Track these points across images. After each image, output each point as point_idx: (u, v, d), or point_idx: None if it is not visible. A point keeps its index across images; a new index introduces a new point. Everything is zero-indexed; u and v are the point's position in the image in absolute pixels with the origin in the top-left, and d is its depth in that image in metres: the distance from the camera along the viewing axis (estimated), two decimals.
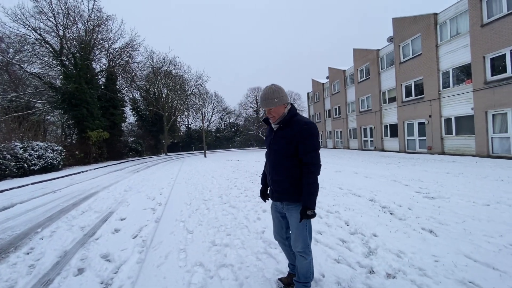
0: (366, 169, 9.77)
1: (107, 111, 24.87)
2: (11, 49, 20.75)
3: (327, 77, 28.73)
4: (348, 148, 24.49)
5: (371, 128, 20.63)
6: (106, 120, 23.77)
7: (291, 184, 1.86)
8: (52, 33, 20.20)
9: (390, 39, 17.83)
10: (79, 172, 14.17)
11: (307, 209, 1.76)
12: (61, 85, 20.09)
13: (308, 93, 35.92)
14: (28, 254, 3.32)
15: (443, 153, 13.76)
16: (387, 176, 7.82)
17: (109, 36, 24.34)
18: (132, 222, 4.50)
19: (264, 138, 2.26)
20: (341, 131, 25.99)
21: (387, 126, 18.78)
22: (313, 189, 1.80)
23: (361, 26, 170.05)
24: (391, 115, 18.16)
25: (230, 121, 57.39)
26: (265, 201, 2.31)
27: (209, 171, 11.49)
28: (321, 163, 1.87)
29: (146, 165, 17.91)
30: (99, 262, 2.99)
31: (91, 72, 22.35)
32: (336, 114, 27.09)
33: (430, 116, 14.55)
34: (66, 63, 20.36)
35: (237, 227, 3.83)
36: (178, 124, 47.84)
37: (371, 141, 20.75)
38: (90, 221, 4.66)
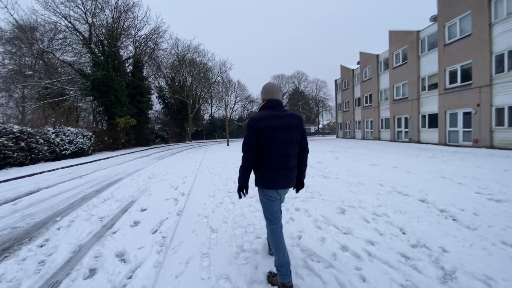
0: (406, 162, 8.81)
1: (134, 98, 25.37)
2: (45, 38, 21.58)
3: (358, 63, 26.92)
4: (379, 139, 22.98)
5: (406, 118, 19.03)
6: (133, 107, 24.28)
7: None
8: (82, 21, 20.62)
9: (434, 18, 15.96)
10: (107, 158, 14.51)
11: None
12: (90, 73, 20.65)
13: (336, 80, 34.13)
14: (41, 247, 3.06)
15: (492, 147, 12.20)
16: (432, 172, 6.89)
17: (135, 23, 24.52)
18: (153, 213, 4.17)
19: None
20: (371, 121, 24.42)
21: (425, 115, 17.15)
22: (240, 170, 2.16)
23: (398, 6, 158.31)
24: (430, 104, 16.50)
25: (253, 109, 56.81)
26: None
27: (233, 160, 11.11)
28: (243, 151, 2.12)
29: (171, 152, 18.03)
30: (113, 263, 2.63)
31: (118, 59, 22.69)
32: (366, 103, 25.45)
33: (478, 105, 12.91)
34: (95, 51, 20.79)
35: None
36: (202, 113, 48.24)
37: (406, 132, 19.18)
38: (110, 211, 4.41)
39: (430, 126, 16.72)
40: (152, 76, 31.72)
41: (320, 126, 59.63)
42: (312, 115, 42.40)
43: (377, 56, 22.94)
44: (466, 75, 13.78)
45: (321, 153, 13.28)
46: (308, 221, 3.49)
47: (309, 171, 7.44)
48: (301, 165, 2.25)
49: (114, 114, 21.06)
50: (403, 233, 3.01)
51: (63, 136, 13.67)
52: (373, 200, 4.37)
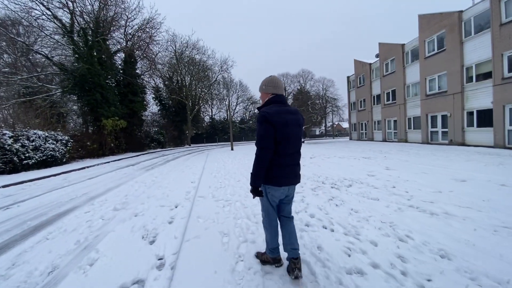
0: (499, 175, 5.82)
1: (126, 97, 22.46)
2: (21, 28, 18.71)
3: (377, 55, 24.03)
4: (406, 141, 19.96)
5: (444, 116, 16.06)
6: (124, 108, 21.37)
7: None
8: (64, 9, 17.75)
9: None
10: (83, 168, 11.51)
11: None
12: (73, 67, 17.74)
13: (348, 77, 31.17)
14: None
15: None
16: None
17: (126, 14, 21.66)
18: None
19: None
20: (395, 120, 21.43)
21: (472, 112, 14.18)
22: (253, 168, 2.05)
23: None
24: (480, 98, 13.54)
25: (255, 111, 53.93)
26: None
27: (244, 172, 8.13)
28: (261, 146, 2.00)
29: (165, 159, 15.05)
30: None
31: (106, 52, 19.80)
32: (388, 100, 22.46)
33: None
34: (78, 41, 17.88)
35: None
36: (201, 115, 45.35)
37: (443, 132, 16.20)
38: None
39: (480, 125, 13.73)
40: (147, 74, 28.78)
41: (326, 127, 56.61)
42: (318, 116, 39.47)
43: (403, 46, 20.02)
44: None
45: (353, 159, 10.33)
46: None
47: (376, 195, 4.45)
48: None
49: (100, 115, 18.12)
50: None
51: (26, 142, 10.71)
52: None
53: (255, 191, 2.06)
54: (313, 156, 11.95)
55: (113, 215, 4.32)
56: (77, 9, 17.84)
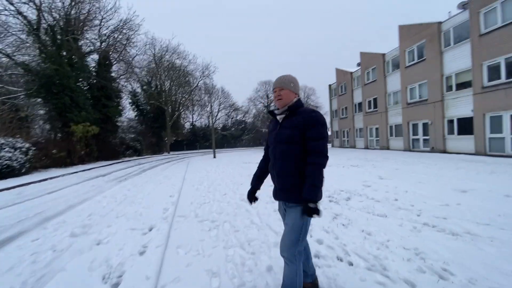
0: (494, 184, 5.57)
1: (99, 102, 20.92)
2: None
3: (358, 64, 24.41)
4: (388, 148, 20.16)
5: (425, 124, 16.33)
6: (97, 113, 19.84)
7: (298, 179, 1.66)
8: (30, 4, 16.24)
9: (463, 5, 13.53)
10: (43, 180, 10.15)
11: (309, 202, 1.56)
12: (39, 69, 16.16)
13: (330, 85, 31.54)
14: None
15: None
16: None
17: (101, 14, 20.39)
18: None
19: (268, 133, 1.96)
20: (377, 128, 21.66)
21: (452, 120, 14.46)
22: (317, 180, 1.60)
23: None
24: (460, 107, 13.84)
25: (237, 118, 53.31)
26: (252, 204, 2.09)
27: (229, 183, 7.39)
28: (328, 155, 1.65)
29: (141, 168, 13.88)
30: None
31: (77, 53, 18.36)
32: (370, 108, 22.75)
33: None
34: (46, 40, 16.38)
35: None
36: (182, 121, 43.92)
37: (425, 140, 16.44)
38: None
39: (460, 133, 14.00)
40: (124, 78, 27.26)
41: None
42: None
43: (383, 55, 20.43)
44: None
45: (342, 168, 9.95)
46: None
47: (381, 210, 3.90)
48: None
49: (69, 120, 16.59)
50: None
51: None
52: None
53: (317, 212, 1.59)
54: None
55: (69, 244, 3.42)
56: (44, 5, 16.42)
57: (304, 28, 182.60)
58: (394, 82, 19.29)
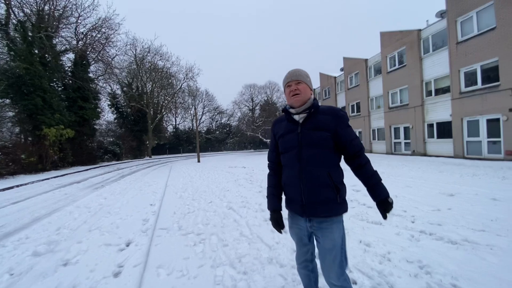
0: (481, 188, 5.64)
1: (75, 103, 19.83)
2: None
3: (341, 69, 24.84)
4: (371, 151, 20.55)
5: (406, 128, 16.76)
6: (72, 115, 18.75)
7: (335, 190, 1.44)
8: None
9: (441, 14, 14.06)
10: (9, 188, 9.26)
11: (387, 198, 1.47)
12: (7, 66, 15.01)
13: (314, 89, 31.86)
14: None
15: None
16: None
17: (78, 11, 19.40)
18: None
19: (276, 137, 1.66)
20: (360, 132, 22.03)
21: (432, 124, 14.92)
22: (379, 177, 1.52)
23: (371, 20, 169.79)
24: (439, 111, 14.30)
25: (222, 121, 52.76)
26: (282, 232, 1.67)
27: (215, 190, 7.04)
28: None
29: (120, 174, 13.15)
30: None
31: (51, 51, 17.29)
32: (353, 112, 23.14)
33: (510, 110, 10.74)
34: (16, 37, 15.26)
35: None
36: (164, 124, 42.76)
37: (406, 143, 16.86)
38: None
39: (440, 137, 14.45)
40: (103, 79, 26.05)
41: None
42: None
43: (366, 60, 20.89)
44: (490, 75, 11.68)
45: None
46: None
47: (375, 217, 3.73)
48: None
49: (41, 122, 15.48)
50: None
51: None
52: None
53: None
54: None
55: (30, 266, 2.96)
56: (15, 0, 15.35)
57: (287, 32, 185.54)
58: (376, 87, 19.73)
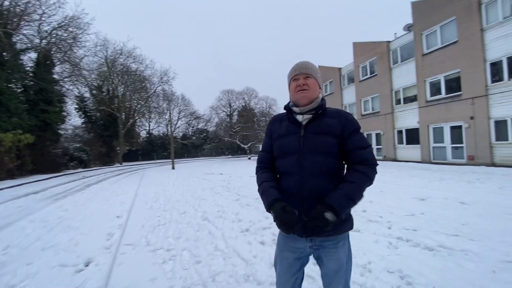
0: (445, 190, 5.91)
1: (36, 106, 18.26)
2: None
3: None
4: None
5: (378, 134, 17.46)
6: (33, 119, 17.23)
7: None
8: None
9: (408, 28, 14.96)
10: None
11: (332, 209, 1.13)
12: None
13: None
14: None
15: (493, 165, 10.71)
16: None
17: (42, 8, 18.10)
18: None
19: (273, 137, 1.42)
20: None
21: (401, 131, 15.68)
22: (357, 193, 1.19)
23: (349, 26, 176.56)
24: (408, 118, 15.09)
25: (199, 126, 51.75)
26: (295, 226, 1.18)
27: (190, 199, 6.69)
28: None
29: (85, 183, 12.22)
30: None
31: (10, 49, 15.88)
32: None
33: (471, 118, 11.56)
34: None
35: None
36: (137, 129, 41.03)
37: (378, 149, 17.54)
38: None
39: (408, 143, 15.21)
40: (69, 81, 24.38)
41: None
42: (263, 133, 39.97)
43: (339, 69, 21.65)
44: (453, 85, 12.54)
45: None
46: None
47: (354, 224, 3.67)
48: None
49: None
50: None
51: None
52: None
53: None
54: (253, 175, 11.12)
55: None
56: None
57: (264, 39, 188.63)
58: (349, 94, 20.47)
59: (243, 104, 45.81)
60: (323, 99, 1.36)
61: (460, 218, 4.21)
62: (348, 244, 1.35)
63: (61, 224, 4.89)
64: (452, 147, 12.58)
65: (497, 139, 10.76)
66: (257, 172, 1.45)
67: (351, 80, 20.45)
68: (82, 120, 30.73)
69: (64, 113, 22.29)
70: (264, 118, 38.14)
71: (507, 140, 10.43)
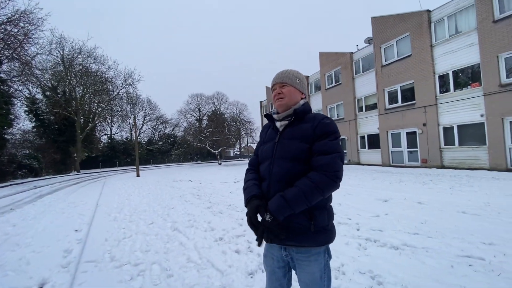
0: (405, 192, 6.43)
1: None
2: None
3: None
4: None
5: (343, 139, 18.38)
6: None
7: (309, 216, 1.17)
8: None
9: (369, 41, 16.09)
10: None
11: (266, 210, 1.16)
12: None
13: (261, 102, 32.84)
14: None
15: (443, 167, 11.86)
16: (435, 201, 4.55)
17: None
18: None
19: (260, 143, 1.49)
20: None
21: (364, 136, 16.70)
22: (295, 198, 1.11)
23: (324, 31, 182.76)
24: (369, 125, 16.13)
25: (166, 131, 49.97)
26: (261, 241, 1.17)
27: (158, 208, 6.35)
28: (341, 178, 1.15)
29: (36, 194, 11.01)
30: None
31: None
32: None
33: (424, 125, 12.71)
34: None
35: None
36: (97, 134, 38.33)
37: (344, 153, 18.44)
38: None
39: (370, 147, 16.22)
40: (18, 80, 21.98)
41: (241, 149, 57.95)
42: (234, 138, 39.71)
43: (307, 77, 22.48)
44: (407, 95, 13.69)
45: None
46: None
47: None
48: None
49: None
50: None
51: None
52: None
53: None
54: (237, 180, 11.04)
55: None
56: None
57: (236, 44, 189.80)
58: (316, 102, 21.33)
59: (213, 109, 45.34)
60: (305, 104, 1.35)
61: (419, 217, 4.54)
62: (325, 260, 1.26)
63: (8, 241, 4.32)
64: (408, 151, 13.69)
65: (446, 143, 11.96)
66: (246, 173, 1.49)
67: (318, 88, 21.37)
68: (33, 124, 27.82)
69: (12, 116, 20.03)
70: (234, 124, 38.06)
71: (454, 144, 11.63)
